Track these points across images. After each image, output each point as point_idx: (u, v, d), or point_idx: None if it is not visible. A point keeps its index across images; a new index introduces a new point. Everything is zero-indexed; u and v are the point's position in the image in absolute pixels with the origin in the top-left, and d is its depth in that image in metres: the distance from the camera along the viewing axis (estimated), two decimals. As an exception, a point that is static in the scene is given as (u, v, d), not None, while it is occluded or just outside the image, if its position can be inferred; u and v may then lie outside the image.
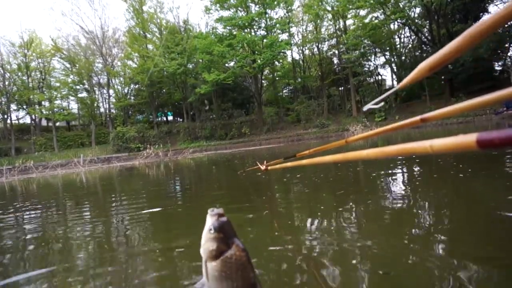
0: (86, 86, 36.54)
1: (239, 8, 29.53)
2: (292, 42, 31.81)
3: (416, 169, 4.06)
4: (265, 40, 28.02)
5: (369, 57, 30.54)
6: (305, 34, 34.73)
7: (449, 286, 1.12)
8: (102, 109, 38.58)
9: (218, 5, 29.24)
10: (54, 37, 35.13)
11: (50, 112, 33.11)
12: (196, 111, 33.77)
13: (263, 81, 34.38)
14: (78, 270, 1.65)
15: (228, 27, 29.13)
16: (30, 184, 9.89)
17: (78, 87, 36.46)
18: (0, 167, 19.43)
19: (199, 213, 2.70)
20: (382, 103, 0.98)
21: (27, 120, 37.51)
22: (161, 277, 1.46)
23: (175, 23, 34.00)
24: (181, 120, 37.63)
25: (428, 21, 26.52)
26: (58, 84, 35.64)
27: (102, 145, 32.98)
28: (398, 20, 26.71)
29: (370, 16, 27.48)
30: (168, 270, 1.54)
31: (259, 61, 27.43)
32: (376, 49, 29.89)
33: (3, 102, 33.42)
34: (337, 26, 30.76)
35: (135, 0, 32.76)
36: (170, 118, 40.27)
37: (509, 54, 24.22)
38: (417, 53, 30.90)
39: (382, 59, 31.77)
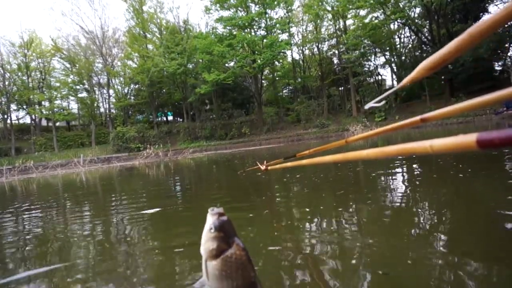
0: (86, 86, 36.55)
1: (239, 8, 29.53)
2: (292, 42, 31.82)
3: (416, 169, 4.06)
4: (265, 40, 28.02)
5: (369, 57, 30.54)
6: (305, 34, 34.75)
7: (449, 286, 1.12)
8: (102, 109, 38.63)
9: (218, 5, 29.24)
10: (54, 37, 35.18)
11: (50, 112, 33.12)
12: (196, 111, 33.78)
13: (263, 81, 34.39)
14: (78, 269, 1.66)
15: (228, 27, 29.13)
16: (30, 184, 9.89)
17: (78, 87, 36.47)
18: (0, 167, 19.43)
19: (199, 213, 2.70)
20: (384, 102, 0.98)
21: (27, 120, 37.54)
22: (161, 276, 1.47)
23: (175, 23, 34.02)
24: (181, 120, 37.64)
25: (428, 21, 26.52)
26: (58, 84, 35.65)
27: (102, 145, 32.98)
28: (398, 20, 26.71)
29: (370, 16, 27.49)
30: (168, 269, 1.54)
31: (259, 61, 27.43)
32: (376, 49, 29.89)
33: (3, 102, 33.43)
34: (337, 26, 30.77)
35: (135, 0, 32.76)
36: (170, 118, 40.28)
37: (509, 54, 24.25)
38: (417, 53, 30.89)
39: (382, 59, 31.80)
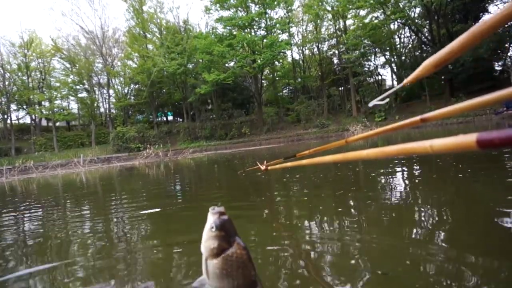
0: (86, 86, 36.55)
1: (239, 8, 29.54)
2: (292, 42, 31.83)
3: (415, 169, 4.06)
4: (265, 40, 28.02)
5: (369, 57, 30.55)
6: (305, 34, 34.76)
7: (448, 286, 1.12)
8: (102, 109, 38.64)
9: (218, 5, 29.24)
10: (54, 37, 35.20)
11: (50, 112, 33.12)
12: (196, 111, 33.78)
13: (263, 81, 34.39)
14: (78, 267, 1.66)
15: (228, 27, 29.13)
16: (30, 184, 9.89)
17: (78, 87, 36.48)
18: (0, 167, 19.43)
19: (199, 213, 2.70)
20: (388, 99, 0.99)
21: (27, 120, 37.54)
22: (160, 274, 1.47)
23: (175, 23, 34.02)
24: (181, 120, 37.64)
25: (428, 21, 26.52)
26: (58, 84, 35.65)
27: (102, 145, 32.98)
28: (398, 20, 26.71)
29: (370, 16, 27.49)
30: (167, 268, 1.54)
31: (259, 61, 27.43)
32: (376, 49, 29.89)
33: (3, 102, 33.43)
34: (337, 26, 30.78)
35: (135, 0, 32.76)
36: (170, 118, 40.28)
37: (509, 54, 24.25)
38: (417, 53, 30.89)
39: (382, 59, 31.81)
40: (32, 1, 62.38)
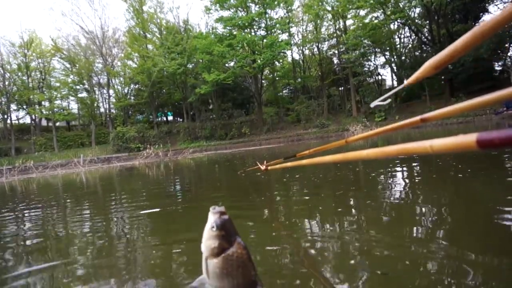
0: (86, 86, 36.54)
1: (239, 8, 29.53)
2: (292, 42, 31.81)
3: (415, 169, 4.06)
4: (265, 40, 28.02)
5: (369, 57, 30.54)
6: (305, 34, 34.74)
7: (448, 286, 1.12)
8: (102, 109, 38.61)
9: (218, 5, 29.24)
10: (54, 37, 35.14)
11: (50, 112, 33.11)
12: (196, 111, 33.77)
13: (263, 81, 34.38)
14: (78, 267, 1.66)
15: (228, 27, 29.13)
16: (30, 184, 9.89)
17: (78, 87, 36.46)
18: (0, 167, 19.43)
19: (199, 213, 2.70)
20: (390, 100, 0.99)
21: (27, 120, 37.53)
22: (160, 274, 1.47)
23: (175, 23, 34.01)
24: (181, 120, 37.63)
25: (428, 21, 26.52)
26: (58, 84, 35.63)
27: (102, 145, 32.97)
28: (398, 20, 26.71)
29: (370, 16, 27.48)
30: (167, 268, 1.54)
31: (259, 61, 27.43)
32: (376, 49, 29.87)
33: (3, 102, 33.42)
34: (337, 26, 30.77)
35: (135, 0, 32.76)
36: (170, 118, 40.26)
37: (509, 54, 24.23)
38: (417, 53, 30.87)
39: (382, 59, 31.78)
40: (32, 1, 62.41)
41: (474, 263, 1.25)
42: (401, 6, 25.38)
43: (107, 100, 36.33)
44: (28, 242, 2.39)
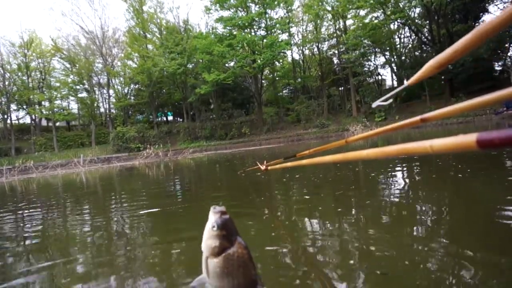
0: (86, 86, 36.53)
1: (239, 8, 29.52)
2: (292, 42, 31.80)
3: (415, 169, 4.06)
4: (265, 40, 28.01)
5: (369, 57, 30.53)
6: (305, 34, 34.73)
7: (448, 286, 1.12)
8: (102, 109, 38.60)
9: (218, 5, 29.23)
10: (54, 37, 35.14)
11: (50, 112, 33.10)
12: (196, 111, 33.77)
13: (263, 81, 34.37)
14: (78, 266, 1.66)
15: (228, 27, 29.12)
16: (30, 184, 9.89)
17: (78, 87, 36.45)
18: (0, 167, 19.43)
19: (199, 213, 2.70)
20: (391, 100, 0.99)
21: (27, 120, 37.51)
22: (160, 273, 1.47)
23: (175, 23, 34.01)
24: (181, 120, 37.63)
25: (428, 21, 26.51)
26: (58, 84, 35.62)
27: (102, 145, 32.97)
28: (398, 20, 26.70)
29: (370, 16, 27.47)
30: (167, 267, 1.54)
31: (259, 61, 27.43)
32: (376, 49, 29.87)
33: (3, 102, 33.41)
34: (337, 26, 30.76)
35: (135, 0, 32.76)
36: (170, 118, 40.26)
37: (509, 54, 24.22)
38: (417, 53, 30.88)
39: (382, 59, 31.78)
40: (32, 1, 62.40)
41: (474, 263, 1.25)
42: (401, 6, 25.38)
43: (107, 100, 36.33)
44: (28, 241, 2.39)
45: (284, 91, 40.01)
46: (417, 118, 0.78)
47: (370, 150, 0.74)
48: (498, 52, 23.74)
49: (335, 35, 31.18)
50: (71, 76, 35.97)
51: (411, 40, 31.46)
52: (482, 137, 0.37)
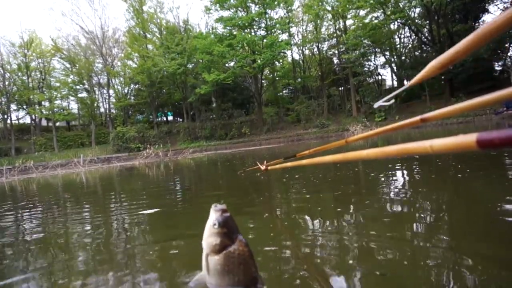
0: (86, 86, 36.55)
1: (239, 8, 29.53)
2: (292, 42, 31.81)
3: (415, 169, 4.06)
4: (265, 40, 28.02)
5: (369, 57, 30.55)
6: (305, 34, 34.74)
7: (447, 287, 1.12)
8: (102, 109, 38.62)
9: (218, 5, 29.24)
10: (54, 37, 35.16)
11: (50, 112, 33.11)
12: (196, 111, 33.78)
13: (263, 81, 34.38)
14: (78, 266, 1.66)
15: (228, 27, 29.13)
16: (30, 184, 9.89)
17: (78, 87, 36.46)
18: (0, 167, 19.43)
19: (199, 213, 2.70)
20: (393, 100, 0.99)
21: (27, 120, 37.53)
22: (160, 270, 1.47)
23: (175, 23, 34.02)
24: (181, 120, 37.63)
25: (428, 21, 26.52)
26: (58, 84, 35.64)
27: (102, 145, 32.98)
28: (398, 20, 26.71)
29: (370, 16, 27.49)
30: (167, 265, 1.54)
31: (259, 61, 27.43)
32: (376, 49, 29.88)
33: (3, 102, 33.42)
34: (337, 26, 30.77)
35: (135, 0, 32.76)
36: (170, 118, 40.27)
37: (509, 54, 24.24)
38: (417, 53, 30.90)
39: (382, 59, 31.82)
40: (32, 1, 62.40)
41: (473, 264, 1.25)
42: (401, 6, 25.38)
43: (107, 100, 36.34)
44: (27, 242, 2.39)
45: (284, 91, 40.02)
46: (417, 118, 0.78)
47: (370, 150, 0.74)
48: (498, 52, 23.75)
49: (335, 35, 31.19)
50: (71, 76, 35.99)
51: (411, 40, 31.49)
52: (482, 137, 0.37)
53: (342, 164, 4.80)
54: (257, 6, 29.13)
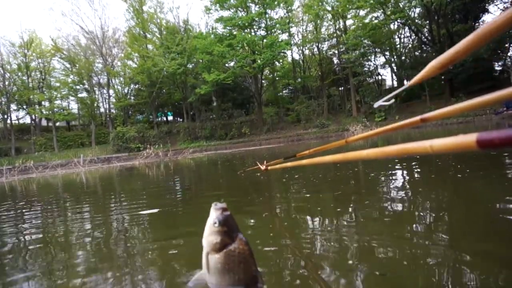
0: (86, 86, 36.53)
1: (239, 8, 29.53)
2: (292, 42, 31.81)
3: (414, 169, 4.06)
4: (265, 40, 28.02)
5: (369, 57, 30.55)
6: (305, 34, 34.74)
7: (447, 287, 1.12)
8: (102, 109, 38.60)
9: (218, 5, 29.24)
10: (54, 37, 35.11)
11: (50, 112, 33.11)
12: (196, 111, 33.77)
13: (263, 81, 34.38)
14: (78, 265, 1.66)
15: (228, 27, 29.13)
16: (30, 184, 9.89)
17: (78, 87, 36.45)
18: (0, 167, 19.43)
19: (199, 212, 2.70)
20: (393, 100, 0.99)
21: (27, 120, 37.52)
22: (160, 272, 1.47)
23: (175, 23, 34.02)
24: (181, 120, 37.63)
25: (428, 21, 26.52)
26: (58, 84, 35.63)
27: (102, 145, 32.97)
28: (398, 20, 26.71)
29: (370, 16, 27.49)
30: (167, 266, 1.54)
31: (259, 61, 27.43)
32: (376, 49, 29.89)
33: (3, 102, 33.42)
34: (337, 26, 30.77)
35: (135, 0, 32.76)
36: (170, 118, 40.27)
37: (509, 54, 24.25)
38: (417, 53, 30.90)
39: (382, 59, 31.83)
40: (32, 1, 62.39)
41: (473, 264, 1.25)
42: (401, 6, 25.38)
43: (107, 100, 36.32)
44: (27, 241, 2.39)
45: (284, 91, 40.02)
46: (417, 118, 0.78)
47: (370, 150, 0.74)
48: (498, 52, 23.76)
49: (335, 35, 31.19)
50: (71, 76, 35.97)
51: (411, 40, 31.50)
52: (482, 137, 0.37)
53: (342, 164, 4.80)
54: (257, 6, 29.13)
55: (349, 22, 30.01)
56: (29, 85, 34.34)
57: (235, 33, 28.51)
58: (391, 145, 0.65)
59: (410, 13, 26.83)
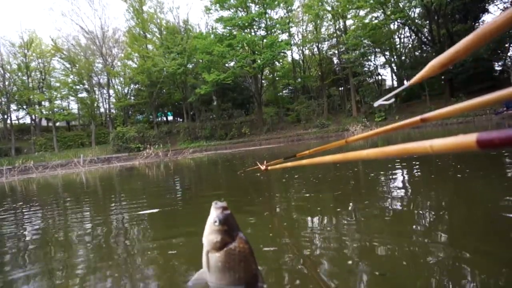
0: (86, 86, 36.52)
1: (239, 8, 29.53)
2: (292, 42, 31.81)
3: (414, 169, 4.06)
4: (265, 40, 28.02)
5: (369, 57, 30.55)
6: (305, 34, 34.74)
7: (446, 287, 1.12)
8: (102, 109, 38.59)
9: (218, 5, 29.24)
10: (54, 37, 35.11)
11: (50, 112, 33.10)
12: (196, 111, 33.77)
13: (263, 81, 34.38)
14: (78, 264, 1.66)
15: (228, 27, 29.14)
16: (30, 184, 9.89)
17: (78, 87, 36.45)
18: (0, 167, 19.43)
19: (199, 212, 2.70)
20: (393, 99, 0.99)
21: (27, 120, 37.52)
22: (160, 271, 1.47)
23: (175, 23, 34.02)
24: (181, 120, 37.63)
25: (428, 21, 26.53)
26: (58, 84, 35.63)
27: (102, 145, 32.96)
28: (398, 20, 26.71)
29: (370, 16, 27.49)
30: (167, 266, 1.54)
31: (259, 61, 27.43)
32: (376, 49, 29.88)
33: (3, 102, 33.41)
34: (337, 26, 30.77)
35: (135, 0, 32.76)
36: (170, 118, 40.26)
37: (509, 54, 24.25)
38: (417, 53, 30.91)
39: (382, 59, 31.82)
40: (32, 1, 62.38)
41: (473, 264, 1.25)
42: (401, 6, 25.39)
43: (107, 100, 36.32)
44: (26, 244, 2.39)
45: (284, 91, 40.02)
46: (417, 118, 0.78)
47: (370, 150, 0.74)
48: (498, 52, 23.76)
49: (335, 35, 31.19)
50: (71, 76, 35.97)
51: (411, 40, 31.51)
52: (482, 137, 0.37)
53: (342, 164, 4.80)
54: (257, 6, 29.13)
55: (349, 22, 30.04)
56: (29, 85, 34.33)
57: (235, 33, 28.51)
58: (391, 145, 0.65)
59: (410, 13, 26.84)
